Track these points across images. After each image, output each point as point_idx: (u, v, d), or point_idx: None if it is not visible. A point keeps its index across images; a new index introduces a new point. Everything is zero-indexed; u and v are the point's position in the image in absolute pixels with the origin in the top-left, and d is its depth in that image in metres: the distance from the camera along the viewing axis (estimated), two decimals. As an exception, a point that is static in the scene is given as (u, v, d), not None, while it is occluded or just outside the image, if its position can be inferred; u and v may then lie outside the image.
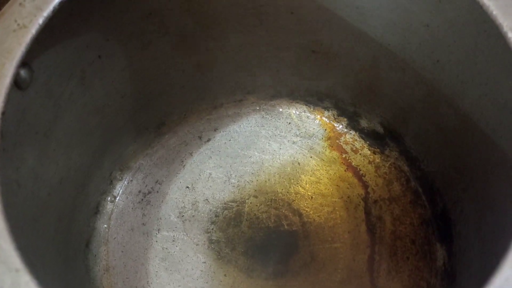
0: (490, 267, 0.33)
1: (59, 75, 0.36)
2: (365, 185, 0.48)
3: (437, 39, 0.37)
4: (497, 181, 0.35)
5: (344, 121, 0.52)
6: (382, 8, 0.39)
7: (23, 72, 0.31)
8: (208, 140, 0.51)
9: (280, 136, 0.51)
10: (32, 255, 0.32)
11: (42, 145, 0.36)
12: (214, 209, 0.48)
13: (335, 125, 0.52)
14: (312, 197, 0.48)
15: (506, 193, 0.33)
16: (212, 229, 0.47)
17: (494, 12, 0.29)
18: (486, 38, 0.32)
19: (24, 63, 0.31)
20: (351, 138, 0.51)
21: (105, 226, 0.47)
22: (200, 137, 0.52)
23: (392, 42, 0.41)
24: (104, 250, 0.46)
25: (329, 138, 0.51)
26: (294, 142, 0.51)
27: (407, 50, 0.41)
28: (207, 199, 0.48)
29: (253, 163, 0.50)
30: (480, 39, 0.33)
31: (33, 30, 0.28)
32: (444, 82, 0.39)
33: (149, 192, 0.49)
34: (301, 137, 0.51)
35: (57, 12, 0.30)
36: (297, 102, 0.53)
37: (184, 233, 0.47)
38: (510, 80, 0.31)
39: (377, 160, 0.49)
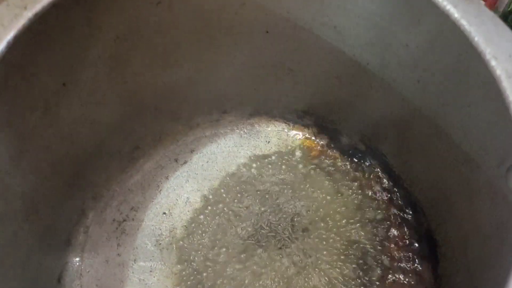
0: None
1: (20, 107, 0.34)
2: (347, 205, 0.47)
3: (417, 59, 0.36)
4: (482, 205, 0.34)
5: (325, 138, 0.50)
6: (359, 28, 0.38)
7: (-22, 110, 0.29)
8: (185, 162, 0.50)
9: (259, 156, 0.50)
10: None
11: (5, 183, 0.34)
12: (193, 235, 0.46)
13: (316, 142, 0.50)
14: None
15: (490, 219, 0.32)
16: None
17: (476, 39, 0.28)
18: (468, 61, 0.31)
19: (-21, 101, 0.28)
20: (332, 155, 0.50)
21: (78, 259, 0.44)
22: (176, 160, 0.50)
23: (371, 61, 0.40)
24: (78, 285, 0.43)
25: (309, 156, 0.50)
26: (274, 162, 0.49)
27: (387, 70, 0.40)
28: (185, 225, 0.47)
29: (232, 185, 0.48)
30: (461, 62, 0.32)
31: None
32: (425, 102, 0.38)
33: (124, 220, 0.47)
34: (281, 156, 0.50)
35: (13, 46, 0.27)
36: (276, 120, 0.51)
37: (162, 262, 0.45)
38: (493, 105, 0.30)
39: (360, 178, 0.48)
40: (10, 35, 0.27)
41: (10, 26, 0.27)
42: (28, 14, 0.27)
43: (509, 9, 0.51)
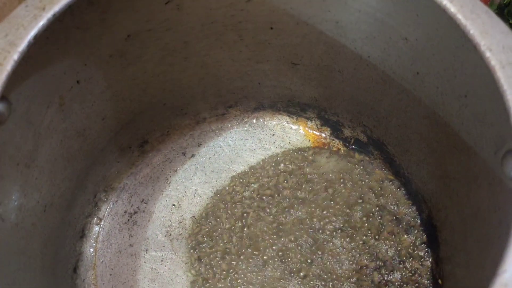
0: (476, 277, 0.34)
1: (38, 103, 0.35)
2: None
3: (416, 52, 0.38)
4: (479, 191, 0.35)
5: (328, 130, 0.52)
6: (360, 22, 0.39)
7: (0, 107, 0.30)
8: (192, 156, 0.51)
9: (265, 149, 0.51)
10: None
11: (24, 176, 0.36)
12: (202, 225, 0.48)
13: (319, 134, 0.52)
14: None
15: (488, 203, 0.34)
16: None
17: (471, 32, 0.29)
18: (464, 53, 0.32)
19: (1, 97, 0.30)
20: (335, 147, 0.51)
21: (92, 250, 0.46)
22: (184, 153, 0.51)
23: (371, 54, 0.42)
24: (92, 274, 0.45)
25: (313, 148, 0.51)
26: (279, 154, 0.51)
27: (387, 62, 0.41)
28: (194, 216, 0.48)
29: (239, 177, 0.50)
30: (458, 54, 0.33)
31: (8, 67, 0.28)
32: (424, 93, 0.40)
33: (135, 212, 0.48)
34: (285, 148, 0.51)
35: (32, 46, 0.29)
36: (280, 114, 0.53)
37: (173, 252, 0.47)
38: (489, 94, 0.31)
39: (361, 167, 0.50)
40: (30, 35, 0.28)
41: (30, 26, 0.29)
42: (47, 15, 0.29)
43: (505, 2, 0.53)
